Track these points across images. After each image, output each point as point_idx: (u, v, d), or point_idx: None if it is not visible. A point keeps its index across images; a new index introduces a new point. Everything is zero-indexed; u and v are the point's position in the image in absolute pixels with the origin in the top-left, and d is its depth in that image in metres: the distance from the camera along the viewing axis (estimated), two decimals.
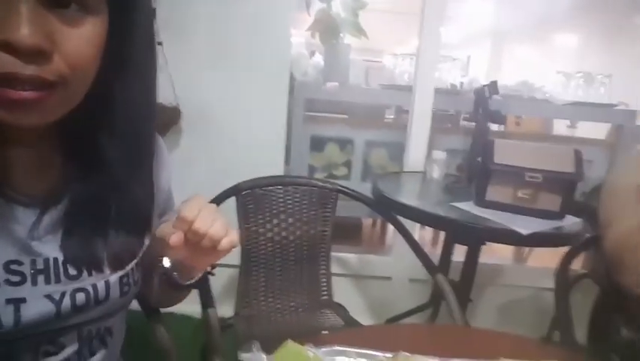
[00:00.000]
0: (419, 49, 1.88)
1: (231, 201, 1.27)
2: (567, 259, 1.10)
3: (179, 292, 0.64)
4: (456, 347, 0.65)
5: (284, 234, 1.38)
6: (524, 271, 2.30)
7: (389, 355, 0.62)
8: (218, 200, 1.22)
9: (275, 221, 1.36)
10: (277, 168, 1.83)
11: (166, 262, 0.57)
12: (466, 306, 1.48)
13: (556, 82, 2.15)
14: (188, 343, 1.28)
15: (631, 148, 2.02)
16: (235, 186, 1.28)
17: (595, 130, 2.58)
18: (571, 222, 1.25)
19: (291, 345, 0.58)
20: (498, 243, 1.37)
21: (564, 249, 1.12)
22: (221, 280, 1.83)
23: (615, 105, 2.14)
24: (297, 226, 1.39)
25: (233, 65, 1.74)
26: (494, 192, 1.30)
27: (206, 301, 0.93)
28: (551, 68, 2.24)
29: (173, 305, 0.72)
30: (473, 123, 1.69)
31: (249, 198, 1.31)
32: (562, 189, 1.25)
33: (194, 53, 1.72)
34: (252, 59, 1.75)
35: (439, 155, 1.70)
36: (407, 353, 0.62)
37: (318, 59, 2.38)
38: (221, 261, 1.73)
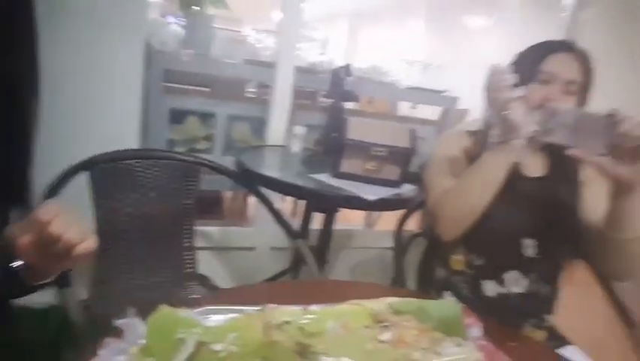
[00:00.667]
0: (281, 25, 1.93)
1: (84, 176, 1.18)
2: (403, 220, 1.31)
3: (24, 292, 0.60)
4: (316, 295, 0.75)
5: (145, 209, 1.32)
6: (373, 235, 2.61)
7: (257, 307, 0.69)
8: (69, 174, 1.12)
9: (134, 196, 1.30)
10: (133, 141, 1.72)
11: (16, 263, 0.53)
12: (323, 267, 1.64)
13: (400, 68, 2.44)
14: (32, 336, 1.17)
15: (450, 127, 2.43)
16: (89, 160, 1.18)
17: (431, 111, 3.02)
18: (408, 190, 1.48)
19: (165, 309, 0.60)
20: (349, 208, 1.54)
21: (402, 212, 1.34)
22: None
23: (443, 92, 2.54)
24: (158, 200, 1.35)
25: (75, 25, 1.56)
26: (347, 165, 1.45)
27: (63, 281, 0.87)
28: (397, 55, 2.53)
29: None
30: (329, 100, 1.84)
31: (105, 172, 1.22)
32: (400, 162, 1.47)
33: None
34: (101, 18, 1.58)
35: (300, 130, 1.81)
36: (273, 305, 0.70)
37: (178, 29, 2.27)
38: None
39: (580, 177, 0.96)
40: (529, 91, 0.89)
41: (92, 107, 1.64)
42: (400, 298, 0.77)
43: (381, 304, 0.75)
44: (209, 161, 1.39)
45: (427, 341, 0.67)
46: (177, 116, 2.09)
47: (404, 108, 4.08)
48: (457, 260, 0.99)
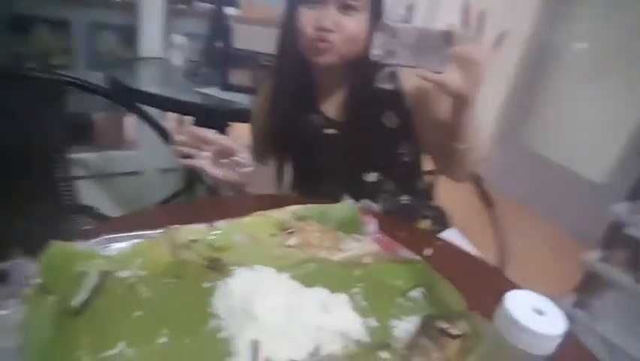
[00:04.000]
0: None
1: None
2: None
3: None
4: (219, 212, 0.75)
5: (2, 139, 1.13)
6: None
7: (159, 230, 0.67)
8: None
9: None
10: None
11: None
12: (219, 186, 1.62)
13: None
14: None
15: None
16: None
17: None
18: None
19: (57, 244, 0.55)
20: (241, 122, 1.51)
21: None
22: None
23: None
24: (18, 128, 1.16)
25: None
26: (236, 76, 1.39)
27: None
28: None
29: None
30: (207, 5, 1.68)
31: None
32: None
33: None
34: None
35: (180, 40, 1.64)
36: (177, 225, 0.68)
37: None
38: None
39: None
40: (300, 16, 0.86)
41: None
42: (302, 205, 0.81)
43: (284, 212, 0.79)
44: (77, 78, 1.21)
45: (330, 240, 0.73)
46: (21, 25, 1.73)
47: None
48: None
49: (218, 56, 1.44)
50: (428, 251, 0.76)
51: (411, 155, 1.01)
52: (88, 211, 1.32)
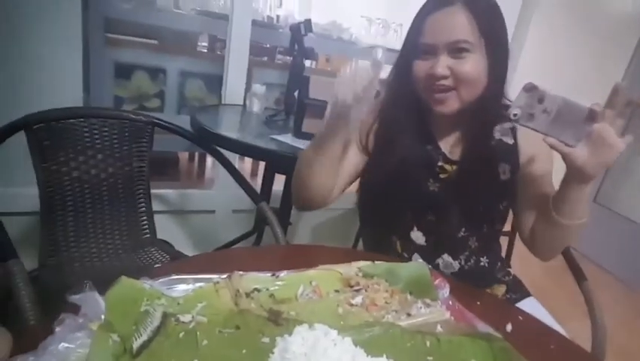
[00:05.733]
0: None
1: (22, 137, 1.07)
2: None
3: None
4: (283, 261, 0.73)
5: (93, 172, 1.23)
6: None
7: (224, 276, 0.66)
8: (1, 135, 1.01)
9: (80, 158, 1.20)
10: (74, 99, 1.58)
11: None
12: (286, 229, 1.62)
13: (360, 25, 2.36)
14: None
15: None
16: (22, 119, 1.06)
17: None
18: None
19: (125, 281, 0.56)
20: None
21: None
22: (16, 231, 1.55)
23: None
24: (108, 162, 1.26)
25: None
26: (309, 125, 1.41)
27: (6, 252, 0.79)
28: (356, 12, 2.43)
29: None
30: (288, 58, 1.76)
31: (44, 132, 1.11)
32: None
33: None
34: None
35: (259, 88, 1.73)
36: (241, 272, 0.67)
37: None
38: (15, 209, 1.47)
39: (516, 160, 0.93)
40: (415, 69, 0.85)
41: (24, 60, 1.48)
42: (369, 262, 0.77)
43: (351, 268, 0.75)
44: (163, 120, 1.31)
45: (398, 302, 0.68)
46: (124, 72, 1.93)
47: None
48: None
49: (294, 104, 1.49)
50: (508, 326, 0.68)
51: (504, 214, 0.95)
52: (163, 246, 1.37)
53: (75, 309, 0.54)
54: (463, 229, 0.93)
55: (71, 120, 1.17)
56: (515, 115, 0.73)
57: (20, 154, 1.08)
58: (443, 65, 0.82)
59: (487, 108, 0.86)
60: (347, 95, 0.76)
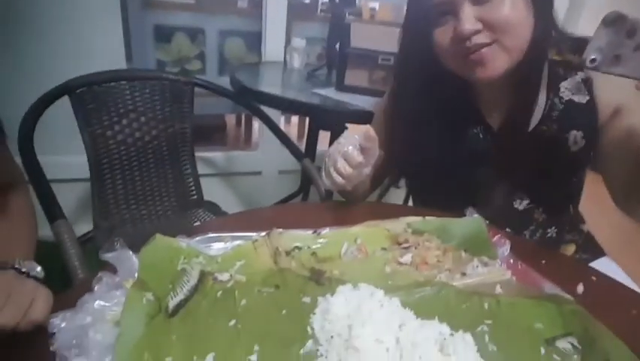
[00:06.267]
0: None
1: (67, 106, 1.08)
2: None
3: None
4: (327, 218, 0.69)
5: (137, 135, 1.24)
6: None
7: (263, 234, 0.63)
8: (45, 101, 1.02)
9: (124, 121, 1.20)
10: (118, 63, 1.58)
11: None
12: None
13: None
14: None
15: None
16: (65, 84, 1.07)
17: None
18: None
19: (160, 239, 0.54)
20: (356, 123, 1.44)
21: None
22: (71, 196, 1.63)
23: None
24: (151, 125, 1.26)
25: None
26: (352, 77, 1.33)
27: (53, 213, 0.81)
28: None
29: None
30: (329, 14, 1.66)
31: (87, 96, 1.11)
32: None
33: None
34: None
35: (299, 42, 1.65)
36: (280, 229, 0.63)
37: None
38: (64, 176, 1.51)
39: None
40: (437, 40, 0.69)
41: (65, 27, 1.48)
42: (419, 218, 0.71)
43: (399, 224, 0.69)
44: (202, 79, 1.28)
45: (451, 261, 0.62)
46: (163, 35, 1.91)
47: None
48: None
49: (335, 57, 1.40)
50: (579, 288, 0.60)
51: (579, 183, 0.83)
52: (211, 207, 1.38)
53: (114, 268, 0.53)
54: (527, 202, 0.82)
55: (113, 83, 1.16)
56: (593, 61, 0.53)
57: (67, 122, 1.09)
58: (469, 17, 0.64)
59: (541, 58, 0.70)
60: (338, 183, 0.71)
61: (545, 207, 0.82)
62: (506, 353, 0.46)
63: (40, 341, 0.44)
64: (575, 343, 0.48)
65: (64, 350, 0.42)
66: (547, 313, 0.52)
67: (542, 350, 0.47)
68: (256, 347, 0.45)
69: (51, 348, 0.42)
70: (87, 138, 1.13)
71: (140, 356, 0.42)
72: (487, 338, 0.48)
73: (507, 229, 0.80)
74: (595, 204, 0.85)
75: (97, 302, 0.47)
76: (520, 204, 0.82)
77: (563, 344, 0.48)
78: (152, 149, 1.28)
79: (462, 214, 0.71)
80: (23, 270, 0.51)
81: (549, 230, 0.85)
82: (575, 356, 0.47)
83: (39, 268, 0.53)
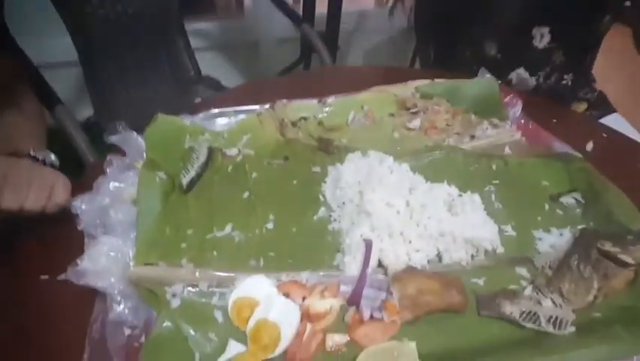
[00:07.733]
0: None
1: None
2: None
3: None
4: (331, 86, 0.66)
5: (119, 9, 1.13)
6: (386, 15, 2.34)
7: (267, 106, 0.61)
8: None
9: None
10: None
11: None
12: (335, 54, 1.50)
13: None
14: None
15: None
16: None
17: None
18: None
19: (162, 118, 0.53)
20: None
21: None
22: (66, 82, 1.57)
23: None
24: None
25: None
26: None
27: (50, 101, 0.79)
28: None
29: None
30: None
31: None
32: None
33: None
34: None
35: None
36: (284, 100, 0.61)
37: None
38: (53, 59, 1.41)
39: None
40: None
41: None
42: (428, 80, 0.67)
43: (406, 88, 0.67)
44: None
45: (460, 124, 0.61)
46: None
47: None
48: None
49: None
50: (589, 145, 0.60)
51: (604, 27, 0.76)
52: (210, 82, 1.33)
53: (122, 150, 0.53)
54: (548, 40, 0.77)
55: None
56: None
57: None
58: None
59: None
60: None
61: (565, 48, 0.78)
62: (511, 210, 0.48)
63: (66, 221, 0.46)
64: (579, 198, 0.49)
65: (91, 228, 0.45)
66: (554, 171, 0.53)
67: (546, 206, 0.49)
68: (271, 216, 0.47)
69: (78, 228, 0.44)
70: (67, 17, 1.04)
71: (162, 231, 0.44)
72: (493, 197, 0.50)
73: (522, 68, 0.78)
74: (608, 59, 0.80)
75: (112, 183, 0.48)
76: (541, 42, 0.78)
77: (567, 199, 0.49)
78: (138, 24, 1.18)
79: (472, 71, 0.68)
80: (39, 158, 0.51)
81: (565, 77, 0.82)
82: (578, 210, 0.48)
83: (53, 156, 0.53)
